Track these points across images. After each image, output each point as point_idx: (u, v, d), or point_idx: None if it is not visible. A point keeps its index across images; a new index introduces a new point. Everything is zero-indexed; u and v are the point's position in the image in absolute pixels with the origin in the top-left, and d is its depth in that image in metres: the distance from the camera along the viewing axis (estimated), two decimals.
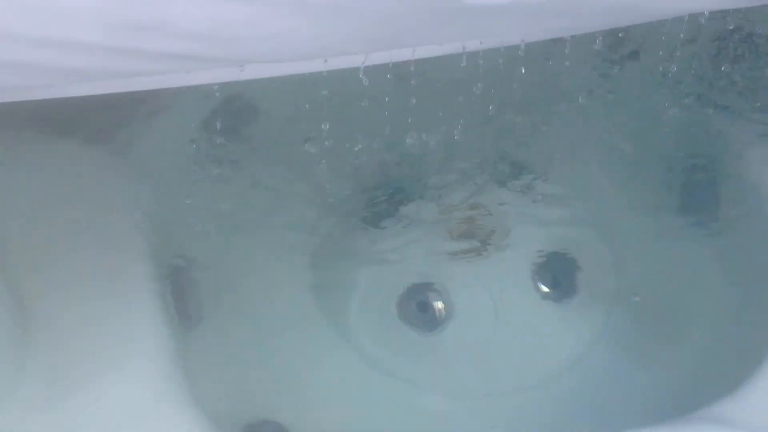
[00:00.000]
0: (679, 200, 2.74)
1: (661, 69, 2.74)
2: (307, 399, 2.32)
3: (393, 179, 2.76)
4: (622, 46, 2.79)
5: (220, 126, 2.58)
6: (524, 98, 2.65)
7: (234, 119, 2.63)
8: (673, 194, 2.75)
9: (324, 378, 2.40)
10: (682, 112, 2.78)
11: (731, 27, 2.78)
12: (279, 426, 2.12)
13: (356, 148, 2.71)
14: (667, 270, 2.63)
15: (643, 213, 2.72)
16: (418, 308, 2.61)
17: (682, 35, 2.54)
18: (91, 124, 2.46)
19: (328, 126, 2.47)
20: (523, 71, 2.36)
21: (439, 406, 2.39)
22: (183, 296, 2.32)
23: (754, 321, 2.31)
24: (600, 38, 2.61)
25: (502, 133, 2.78)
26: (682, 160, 2.77)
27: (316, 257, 2.64)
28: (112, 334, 2.05)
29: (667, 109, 2.78)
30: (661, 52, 2.67)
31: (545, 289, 2.64)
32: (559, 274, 2.67)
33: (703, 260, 2.59)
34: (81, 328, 2.04)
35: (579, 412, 2.33)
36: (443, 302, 2.61)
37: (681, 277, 2.60)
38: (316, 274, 2.63)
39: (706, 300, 2.50)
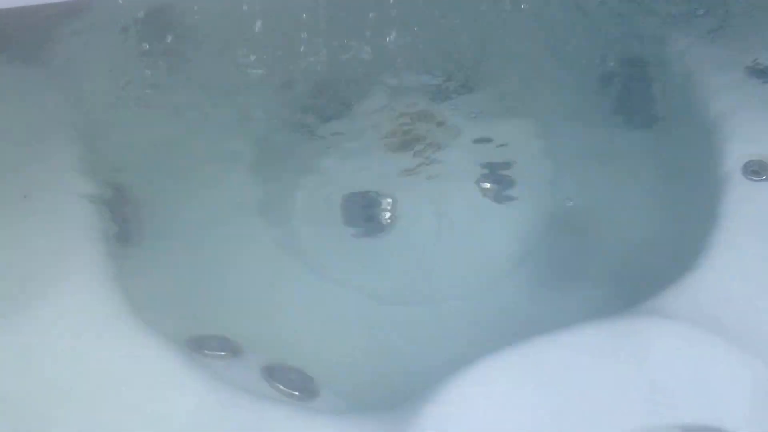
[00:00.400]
0: (615, 102, 2.77)
1: None
2: (253, 311, 2.31)
3: (332, 88, 2.71)
4: None
5: (149, 37, 2.49)
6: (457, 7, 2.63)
7: (163, 30, 2.55)
8: (608, 96, 2.77)
9: (269, 288, 2.38)
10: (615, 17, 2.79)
11: None
12: (224, 339, 2.09)
13: (294, 56, 2.65)
14: (606, 170, 2.65)
15: (579, 115, 2.74)
16: (362, 215, 2.58)
17: None
18: (15, 41, 2.38)
19: (261, 34, 2.41)
20: None
21: (384, 311, 2.39)
22: (121, 214, 2.27)
23: (691, 214, 2.34)
24: None
25: (440, 42, 2.74)
26: (615, 62, 2.77)
27: (257, 168, 2.60)
28: (47, 253, 2.00)
29: (599, 11, 2.78)
30: None
31: (486, 186, 2.63)
32: (499, 180, 2.66)
33: (640, 159, 2.62)
34: (13, 248, 1.99)
35: (521, 311, 2.36)
36: (387, 209, 2.59)
37: (618, 177, 2.62)
38: (258, 186, 2.59)
39: (644, 197, 2.53)
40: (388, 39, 2.64)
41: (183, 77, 2.56)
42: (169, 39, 2.57)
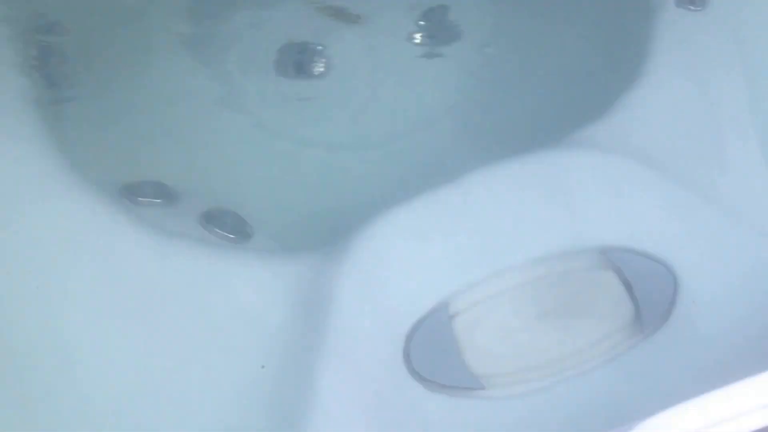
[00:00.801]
0: None
1: None
2: (188, 157, 2.30)
3: None
4: None
5: None
6: None
7: None
8: None
9: (205, 134, 2.37)
10: None
11: None
12: (160, 184, 2.10)
13: None
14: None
15: None
16: (295, 66, 2.55)
17: None
18: None
19: None
20: None
21: (316, 155, 2.39)
22: (48, 60, 2.22)
23: (620, 46, 2.34)
24: None
25: None
26: None
27: (190, 11, 2.53)
28: None
29: None
30: None
31: (417, 40, 2.60)
32: (433, 28, 2.62)
33: None
34: None
35: (458, 147, 2.37)
36: (320, 58, 2.56)
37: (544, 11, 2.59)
38: (191, 29, 2.53)
39: (572, 30, 2.51)
40: None
41: None
42: None
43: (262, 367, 1.73)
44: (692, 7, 2.22)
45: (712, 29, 2.18)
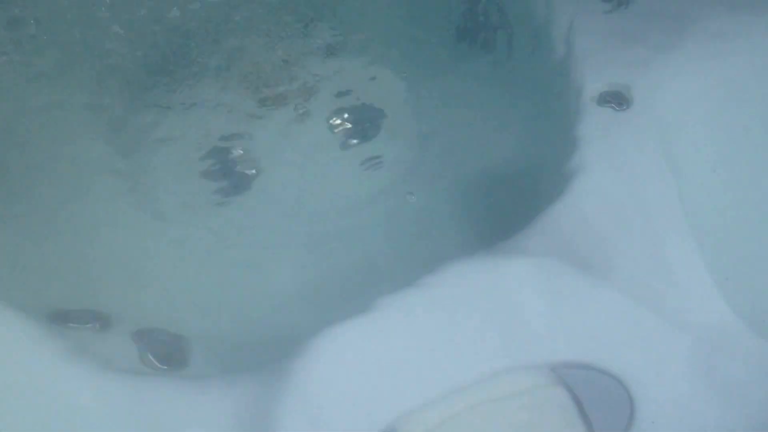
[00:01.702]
0: (470, 42, 2.75)
1: None
2: (118, 278, 2.23)
3: (188, 36, 2.61)
4: None
5: None
6: None
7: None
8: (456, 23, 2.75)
9: (133, 253, 2.31)
10: None
11: None
12: (91, 311, 2.01)
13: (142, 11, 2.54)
14: (460, 109, 2.64)
15: (432, 44, 2.73)
16: (223, 170, 2.52)
17: None
18: None
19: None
20: None
21: (253, 257, 2.36)
22: None
23: (548, 147, 2.34)
24: None
25: None
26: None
27: (112, 132, 2.50)
28: None
29: None
30: None
31: (354, 141, 2.60)
32: (363, 123, 2.63)
33: (493, 94, 2.62)
34: None
35: (381, 258, 2.34)
36: (250, 161, 2.53)
37: (473, 115, 2.61)
38: (113, 147, 2.48)
39: (500, 133, 2.54)
40: None
41: (33, 45, 2.43)
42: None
43: None
44: (616, 107, 2.25)
45: (637, 128, 2.20)
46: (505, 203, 2.33)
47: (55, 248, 2.22)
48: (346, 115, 2.61)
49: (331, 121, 2.60)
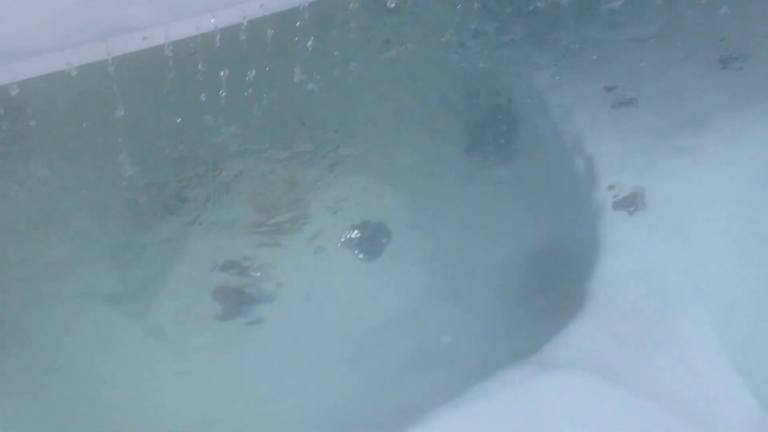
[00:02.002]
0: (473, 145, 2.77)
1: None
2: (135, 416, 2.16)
3: (191, 162, 2.61)
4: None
5: None
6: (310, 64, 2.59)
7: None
8: (466, 140, 2.78)
9: (145, 380, 2.26)
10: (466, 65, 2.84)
11: None
12: None
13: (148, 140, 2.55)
14: (473, 212, 2.64)
15: (439, 163, 2.73)
16: (236, 300, 2.48)
17: None
18: None
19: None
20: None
21: (268, 387, 2.31)
22: None
23: (567, 257, 2.34)
24: None
25: (292, 104, 2.71)
26: (470, 109, 2.81)
27: (117, 258, 2.48)
28: None
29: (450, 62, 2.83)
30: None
31: (361, 256, 2.57)
32: (371, 241, 2.60)
33: (508, 205, 2.61)
34: None
35: (413, 374, 2.28)
36: (262, 288, 2.50)
37: (487, 229, 2.60)
38: (122, 278, 2.46)
39: (518, 245, 2.52)
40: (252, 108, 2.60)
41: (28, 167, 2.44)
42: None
43: None
44: (632, 210, 2.24)
45: (654, 229, 2.20)
46: (530, 315, 2.30)
47: (61, 377, 2.18)
48: (355, 233, 2.59)
49: (340, 239, 2.58)
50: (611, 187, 2.27)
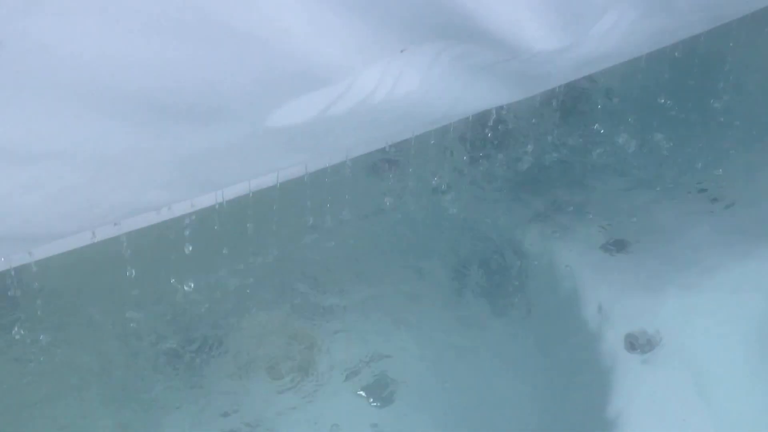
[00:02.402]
0: (484, 300, 2.81)
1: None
2: None
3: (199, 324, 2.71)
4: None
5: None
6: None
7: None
8: (471, 284, 2.84)
9: None
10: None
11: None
12: None
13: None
14: (481, 360, 2.68)
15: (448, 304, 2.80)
16: None
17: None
18: None
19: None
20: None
21: None
22: None
23: (582, 404, 2.38)
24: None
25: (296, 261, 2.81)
26: (470, 255, 2.89)
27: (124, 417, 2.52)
28: None
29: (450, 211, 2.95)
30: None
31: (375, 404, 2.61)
32: (381, 389, 2.63)
33: (518, 353, 2.66)
34: None
35: None
36: None
37: (499, 376, 2.64)
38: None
39: (532, 394, 2.56)
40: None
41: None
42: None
43: None
44: (644, 351, 2.32)
45: (666, 367, 2.28)
46: None
47: None
48: (362, 383, 2.61)
49: (346, 389, 2.60)
50: (621, 329, 2.36)
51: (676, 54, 3.04)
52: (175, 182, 1.96)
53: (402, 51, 1.79)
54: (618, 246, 2.66)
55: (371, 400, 2.60)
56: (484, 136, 3.01)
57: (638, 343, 2.33)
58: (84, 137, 1.61)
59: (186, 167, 1.88)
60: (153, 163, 1.79)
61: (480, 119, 2.88)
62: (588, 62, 2.27)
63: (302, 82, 1.73)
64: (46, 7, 1.33)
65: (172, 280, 2.65)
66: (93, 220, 1.92)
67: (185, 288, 2.66)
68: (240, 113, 1.76)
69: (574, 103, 3.18)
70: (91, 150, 1.65)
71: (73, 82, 1.48)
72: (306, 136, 1.98)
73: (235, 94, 1.68)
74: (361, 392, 2.60)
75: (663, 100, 3.23)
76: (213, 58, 1.56)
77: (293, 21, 1.54)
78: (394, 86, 1.90)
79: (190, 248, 2.48)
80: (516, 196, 2.97)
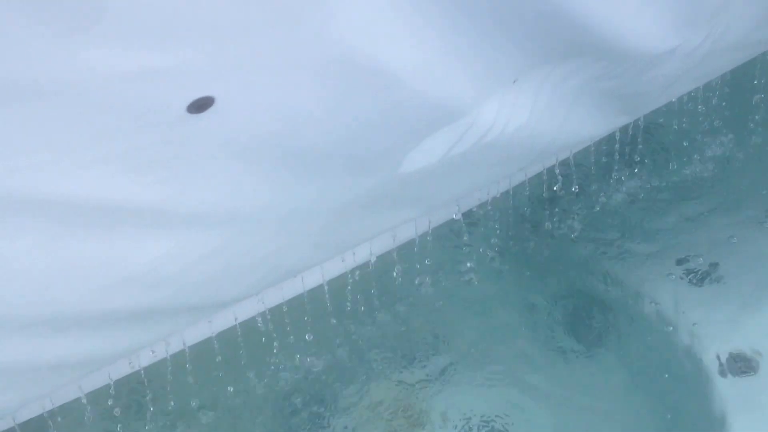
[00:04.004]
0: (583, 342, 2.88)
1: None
2: None
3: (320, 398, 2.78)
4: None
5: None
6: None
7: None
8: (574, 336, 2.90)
9: None
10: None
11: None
12: None
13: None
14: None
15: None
16: None
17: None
18: None
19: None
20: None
21: None
22: None
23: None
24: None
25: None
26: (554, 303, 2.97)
27: None
28: None
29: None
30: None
31: None
32: None
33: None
34: None
35: None
36: None
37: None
38: None
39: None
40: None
41: None
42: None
43: None
44: (746, 372, 2.38)
45: None
46: None
47: None
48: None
49: None
50: (719, 352, 2.42)
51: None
52: (322, 244, 2.10)
53: (514, 81, 1.95)
54: (703, 273, 2.73)
55: None
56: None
57: (739, 365, 2.40)
58: (267, 198, 1.77)
59: (334, 222, 2.02)
60: (313, 218, 1.94)
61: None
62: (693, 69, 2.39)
63: (434, 119, 1.90)
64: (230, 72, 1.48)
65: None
66: (256, 284, 2.06)
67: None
68: (382, 159, 1.92)
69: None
70: (270, 209, 1.81)
71: (253, 142, 1.64)
72: (423, 183, 2.13)
73: (380, 138, 1.83)
74: None
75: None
76: (364, 104, 1.72)
77: (431, 55, 1.68)
78: (508, 119, 2.05)
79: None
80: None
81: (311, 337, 2.70)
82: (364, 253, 2.49)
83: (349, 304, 2.72)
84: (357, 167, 1.88)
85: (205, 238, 1.78)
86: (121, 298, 1.75)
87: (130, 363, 2.22)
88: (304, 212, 1.90)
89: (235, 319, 2.36)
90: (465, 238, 2.97)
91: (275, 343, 2.61)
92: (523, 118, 2.08)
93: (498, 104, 1.98)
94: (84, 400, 2.25)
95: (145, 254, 1.71)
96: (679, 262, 2.77)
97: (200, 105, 1.48)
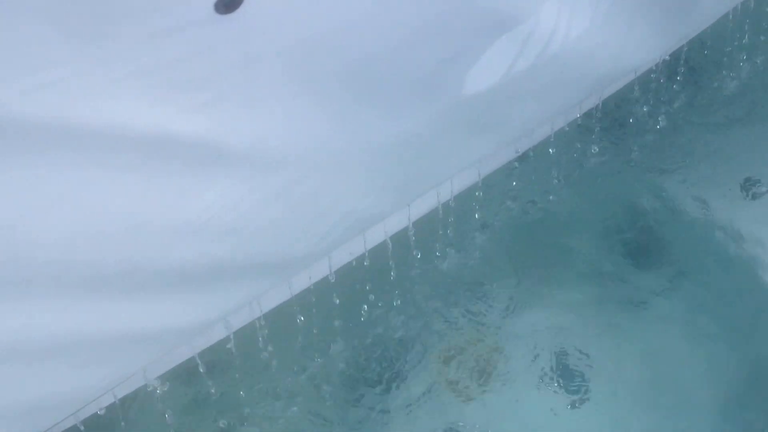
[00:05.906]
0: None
1: None
2: None
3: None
4: None
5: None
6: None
7: None
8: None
9: None
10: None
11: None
12: None
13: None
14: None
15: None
16: None
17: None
18: None
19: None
20: None
21: None
22: None
23: None
24: None
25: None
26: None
27: None
28: None
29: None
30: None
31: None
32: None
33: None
34: None
35: None
36: None
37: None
38: None
39: None
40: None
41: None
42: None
43: None
44: None
45: None
46: None
47: None
48: (552, 373, 2.56)
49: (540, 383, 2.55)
50: None
51: None
52: (388, 187, 1.98)
53: None
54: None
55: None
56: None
57: None
58: (323, 138, 1.66)
59: (408, 158, 1.90)
60: (380, 155, 1.82)
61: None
62: None
63: (491, 25, 1.78)
64: None
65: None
66: (326, 236, 1.93)
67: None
68: (442, 76, 1.80)
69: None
70: (326, 151, 1.70)
71: (298, 49, 1.51)
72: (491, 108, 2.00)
73: (435, 48, 1.72)
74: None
75: None
76: (410, 11, 1.62)
77: None
78: (569, 27, 1.94)
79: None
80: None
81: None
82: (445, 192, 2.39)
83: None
84: (419, 86, 1.77)
85: (264, 179, 1.67)
86: (179, 250, 1.65)
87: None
88: (369, 146, 1.79)
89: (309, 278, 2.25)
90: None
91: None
92: (584, 26, 1.97)
93: (556, 9, 1.87)
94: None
95: (200, 199, 1.61)
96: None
97: (228, 2, 1.38)
